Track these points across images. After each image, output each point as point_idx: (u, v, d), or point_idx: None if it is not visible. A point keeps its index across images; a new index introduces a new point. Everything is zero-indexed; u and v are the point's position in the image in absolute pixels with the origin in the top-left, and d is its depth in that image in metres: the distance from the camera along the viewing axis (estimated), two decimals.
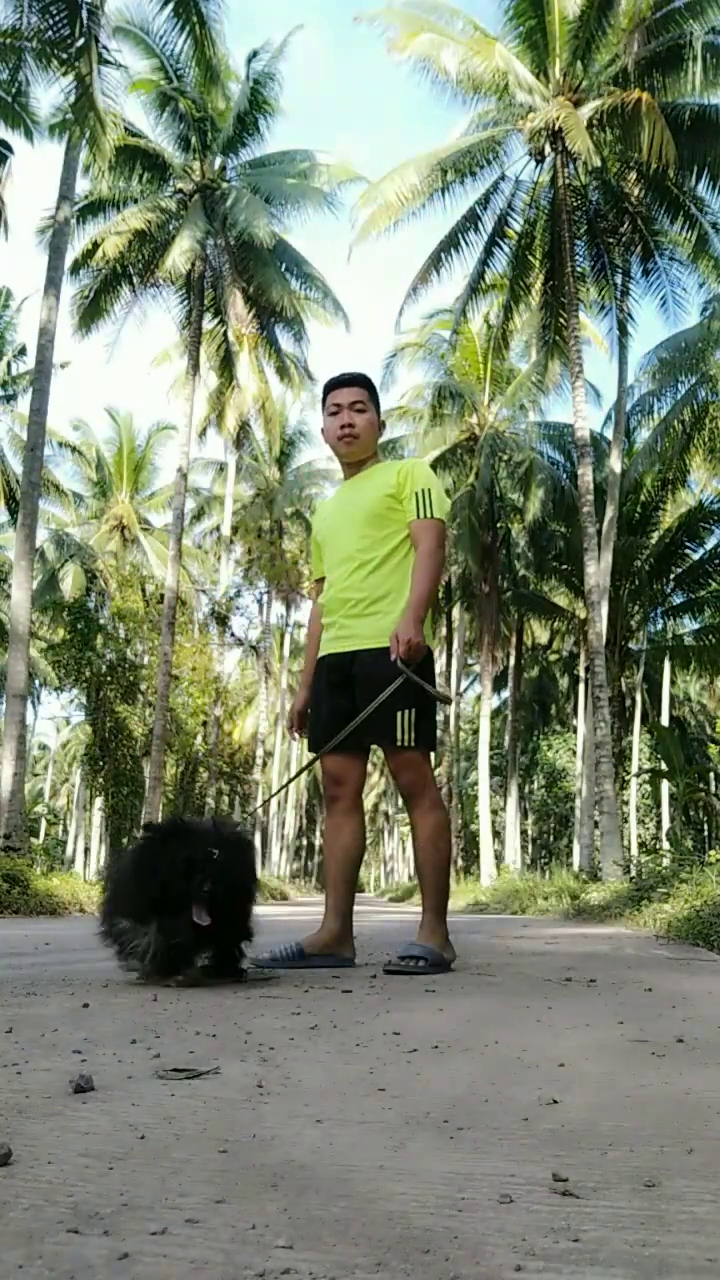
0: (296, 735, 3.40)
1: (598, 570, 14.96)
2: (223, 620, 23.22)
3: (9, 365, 26.42)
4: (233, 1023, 1.85)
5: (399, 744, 3.00)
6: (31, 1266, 0.69)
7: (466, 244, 16.57)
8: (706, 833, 31.99)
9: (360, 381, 3.34)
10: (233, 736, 26.95)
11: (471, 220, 16.35)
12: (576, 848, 21.94)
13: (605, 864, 12.82)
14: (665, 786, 22.08)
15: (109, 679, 19.59)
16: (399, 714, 2.99)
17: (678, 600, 22.12)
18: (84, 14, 10.43)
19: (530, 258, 16.67)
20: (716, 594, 21.03)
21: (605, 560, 15.90)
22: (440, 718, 31.48)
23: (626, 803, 23.23)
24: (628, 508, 19.90)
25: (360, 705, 3.05)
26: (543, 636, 27.72)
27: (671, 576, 21.47)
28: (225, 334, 20.12)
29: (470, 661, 28.45)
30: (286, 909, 14.28)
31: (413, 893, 23.69)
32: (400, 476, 3.17)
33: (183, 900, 2.27)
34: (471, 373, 22.99)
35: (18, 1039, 1.63)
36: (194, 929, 2.29)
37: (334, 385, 3.34)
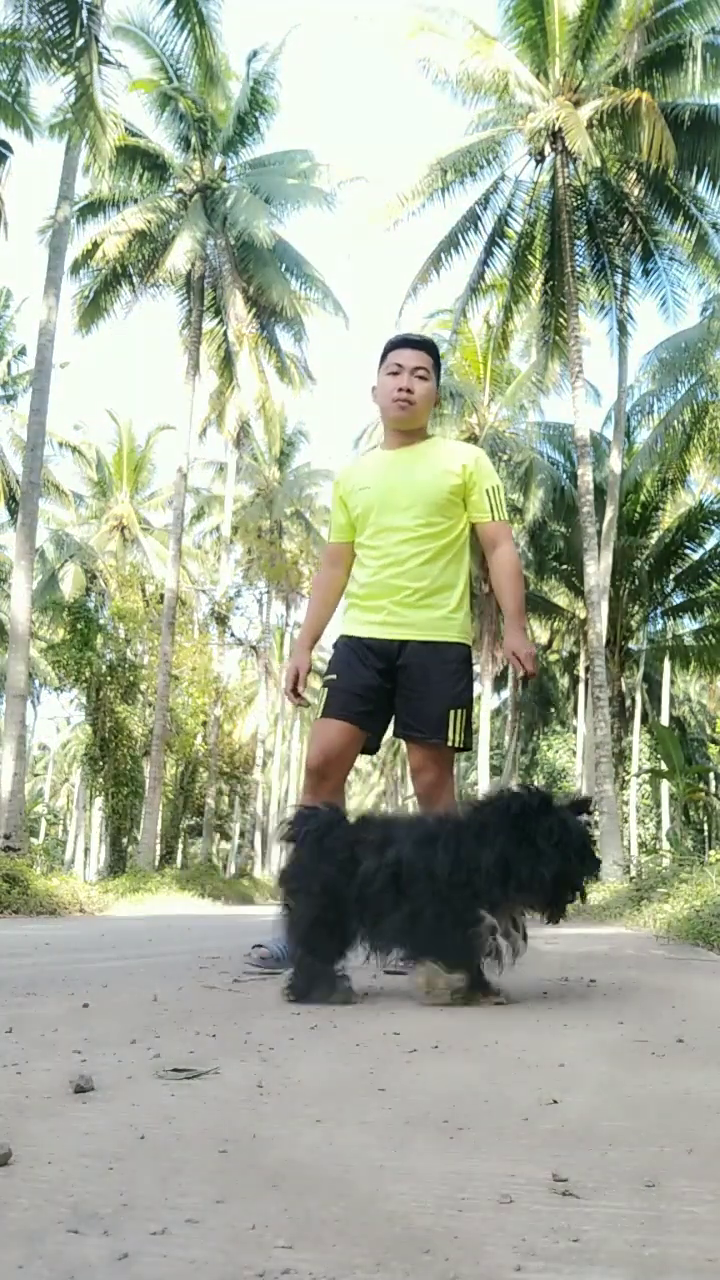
0: (292, 696, 3.14)
1: (598, 570, 14.96)
2: (223, 620, 23.21)
3: (9, 365, 26.40)
4: (233, 1023, 1.85)
5: (449, 742, 2.92)
6: (31, 1266, 0.69)
7: (466, 244, 16.58)
8: (706, 833, 31.99)
9: (428, 348, 3.11)
10: (233, 736, 26.95)
11: (471, 220, 16.36)
12: None
13: (605, 864, 12.81)
14: (665, 786, 22.09)
15: (109, 679, 19.59)
16: (453, 713, 2.91)
17: (678, 600, 22.13)
18: (84, 14, 10.43)
19: (530, 258, 16.68)
20: (716, 594, 21.03)
21: (605, 560, 15.90)
22: None
23: (626, 803, 23.24)
24: (628, 508, 19.90)
25: (408, 696, 2.95)
26: (543, 636, 27.69)
27: (671, 576, 21.48)
28: (225, 334, 20.12)
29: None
30: None
31: None
32: (468, 469, 3.03)
33: None
34: (471, 373, 22.98)
35: (18, 1039, 1.62)
36: None
37: (399, 345, 3.09)
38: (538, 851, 2.09)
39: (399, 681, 2.96)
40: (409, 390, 3.00)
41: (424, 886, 2.08)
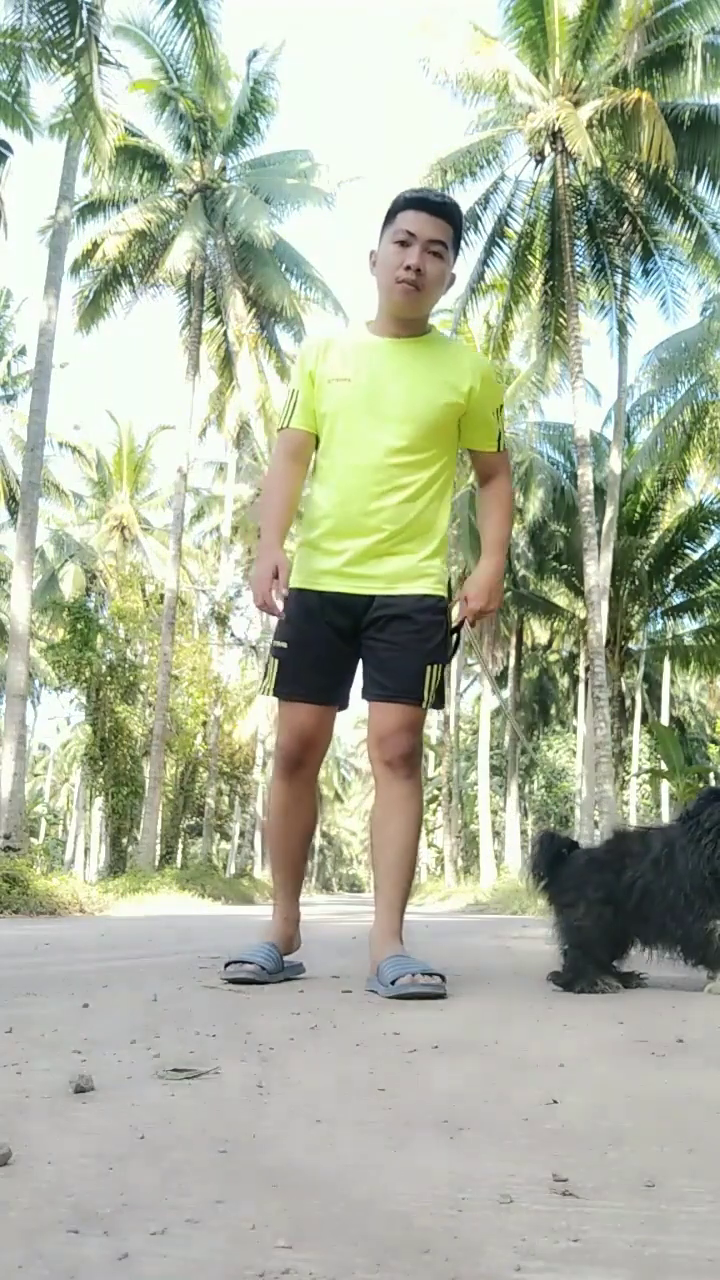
0: (271, 605, 2.38)
1: (598, 570, 14.96)
2: (223, 620, 23.22)
3: (9, 365, 26.42)
4: (233, 1023, 1.85)
5: (424, 702, 2.44)
6: (31, 1266, 0.69)
7: (466, 244, 16.56)
8: None
9: (450, 215, 2.39)
10: (232, 736, 26.94)
11: (471, 220, 16.36)
12: None
13: None
14: (665, 786, 22.08)
15: (109, 679, 19.59)
16: (430, 669, 2.44)
17: (678, 600, 22.16)
18: (84, 14, 10.45)
19: (530, 258, 16.69)
20: (716, 594, 21.05)
21: (605, 560, 15.91)
22: (440, 717, 31.42)
23: (626, 803, 23.23)
24: (628, 508, 19.91)
25: (379, 653, 2.45)
26: (543, 636, 27.72)
27: (671, 576, 21.50)
28: (225, 334, 20.14)
29: (470, 661, 28.46)
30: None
31: (415, 891, 23.61)
32: (475, 391, 2.44)
33: None
34: None
35: (18, 1039, 1.62)
36: None
37: (413, 204, 2.37)
38: None
39: (367, 637, 2.47)
40: (418, 270, 2.34)
41: (689, 895, 2.29)
